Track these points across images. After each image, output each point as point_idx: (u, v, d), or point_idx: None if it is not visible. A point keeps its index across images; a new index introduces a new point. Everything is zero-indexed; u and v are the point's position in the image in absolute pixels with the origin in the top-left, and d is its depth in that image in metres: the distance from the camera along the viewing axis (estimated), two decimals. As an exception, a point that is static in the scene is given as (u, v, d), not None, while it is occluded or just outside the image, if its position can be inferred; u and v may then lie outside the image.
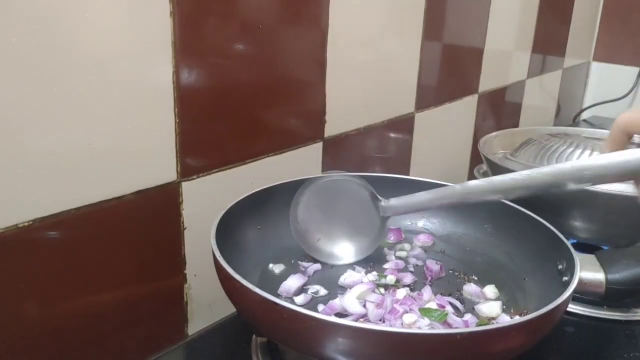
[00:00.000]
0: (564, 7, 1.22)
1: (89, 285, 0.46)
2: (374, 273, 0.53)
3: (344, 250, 0.55)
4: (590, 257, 0.51)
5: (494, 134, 0.81)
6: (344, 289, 0.51)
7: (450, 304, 0.49)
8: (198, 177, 0.52)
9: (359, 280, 0.51)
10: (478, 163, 0.94)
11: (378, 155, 0.76)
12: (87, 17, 0.41)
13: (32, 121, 0.39)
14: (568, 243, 0.48)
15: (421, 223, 0.63)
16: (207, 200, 0.53)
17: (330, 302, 0.48)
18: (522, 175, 0.44)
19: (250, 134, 0.56)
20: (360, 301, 0.47)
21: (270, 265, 0.54)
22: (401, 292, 0.50)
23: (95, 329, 0.47)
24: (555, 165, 0.44)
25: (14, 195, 0.40)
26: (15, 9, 0.37)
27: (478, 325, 0.47)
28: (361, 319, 0.46)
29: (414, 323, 0.45)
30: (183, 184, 0.50)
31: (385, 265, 0.56)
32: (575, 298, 0.53)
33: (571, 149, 0.65)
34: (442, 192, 0.50)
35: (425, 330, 0.43)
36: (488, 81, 0.97)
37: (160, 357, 0.52)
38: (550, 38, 1.17)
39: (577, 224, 0.61)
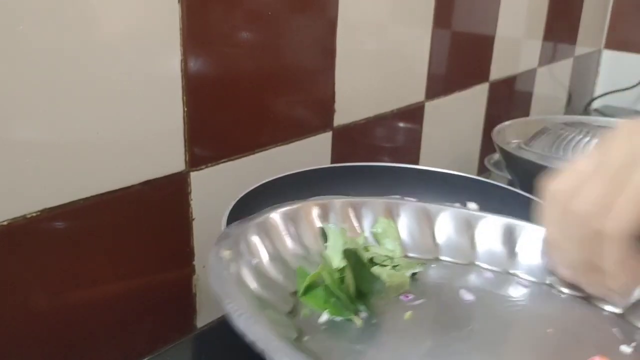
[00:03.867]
0: (575, -6, 1.20)
1: (97, 276, 0.45)
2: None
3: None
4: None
5: (507, 123, 0.80)
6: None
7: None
8: (207, 167, 0.51)
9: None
10: (488, 153, 0.93)
11: (387, 144, 0.75)
12: (94, 5, 0.40)
13: (40, 111, 0.39)
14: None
15: None
16: (216, 190, 0.52)
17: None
18: None
19: (259, 123, 0.55)
20: None
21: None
22: None
23: (102, 321, 0.46)
24: None
25: (22, 185, 0.39)
26: (21, -5, 0.36)
27: None
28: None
29: None
30: (192, 174, 0.50)
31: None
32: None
33: (587, 139, 0.64)
34: None
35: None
36: (499, 69, 0.95)
37: (169, 349, 0.51)
38: (561, 25, 1.16)
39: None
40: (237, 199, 0.49)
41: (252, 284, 0.30)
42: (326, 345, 0.29)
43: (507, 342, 0.33)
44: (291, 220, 0.36)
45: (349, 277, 0.31)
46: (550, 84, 1.20)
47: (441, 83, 0.81)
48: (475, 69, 0.91)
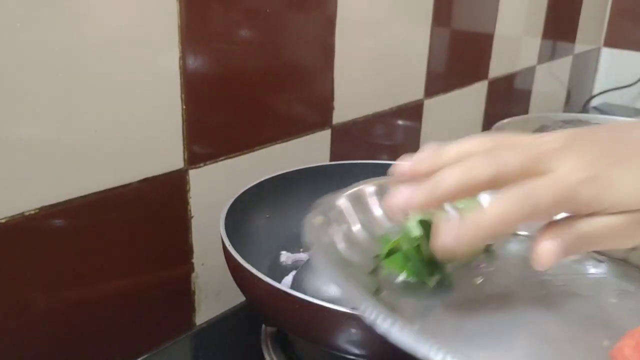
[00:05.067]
0: (574, -9, 1.20)
1: (96, 274, 0.45)
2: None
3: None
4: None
5: (505, 120, 0.80)
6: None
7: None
8: (205, 164, 0.51)
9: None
10: (487, 150, 0.93)
11: (386, 142, 0.75)
12: (92, 2, 0.40)
13: (38, 109, 0.39)
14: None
15: None
16: (214, 188, 0.52)
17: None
18: None
19: (258, 121, 0.55)
20: None
21: (282, 253, 0.53)
22: None
23: (101, 319, 0.46)
24: None
25: (20, 183, 0.39)
26: (18, -8, 0.36)
27: None
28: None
29: None
30: (190, 171, 0.50)
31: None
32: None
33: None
34: None
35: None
36: (498, 67, 0.95)
37: (168, 347, 0.51)
38: (560, 23, 1.16)
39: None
40: (236, 196, 0.49)
41: (340, 244, 0.34)
42: (399, 299, 0.33)
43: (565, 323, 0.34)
44: (380, 194, 0.39)
45: (424, 244, 0.34)
46: (550, 82, 1.19)
47: (440, 81, 0.81)
48: (474, 67, 0.91)
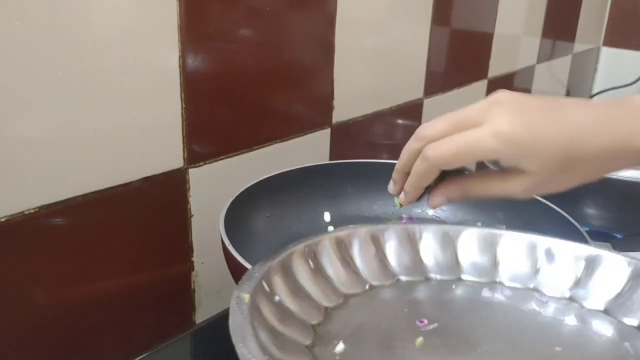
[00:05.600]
0: (574, -9, 1.20)
1: (95, 273, 0.45)
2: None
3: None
4: (606, 246, 0.50)
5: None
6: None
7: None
8: (205, 163, 0.51)
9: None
10: (487, 150, 0.93)
11: (386, 141, 0.75)
12: (92, 1, 0.40)
13: (38, 108, 0.39)
14: (583, 230, 0.47)
15: (432, 211, 0.62)
16: (214, 187, 0.52)
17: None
18: None
19: (257, 120, 0.55)
20: None
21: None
22: None
23: (102, 316, 0.47)
24: None
25: (20, 182, 0.39)
26: (19, -9, 0.36)
27: None
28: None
29: None
30: (190, 170, 0.50)
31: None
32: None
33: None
34: None
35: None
36: (497, 66, 0.95)
37: (168, 345, 0.51)
38: (560, 22, 1.15)
39: (592, 212, 0.60)
40: (236, 195, 0.49)
41: (272, 320, 0.31)
42: None
43: None
44: (313, 253, 0.37)
45: None
46: (549, 81, 1.20)
47: (440, 80, 0.81)
48: (473, 66, 0.91)
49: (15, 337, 0.41)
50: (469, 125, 0.37)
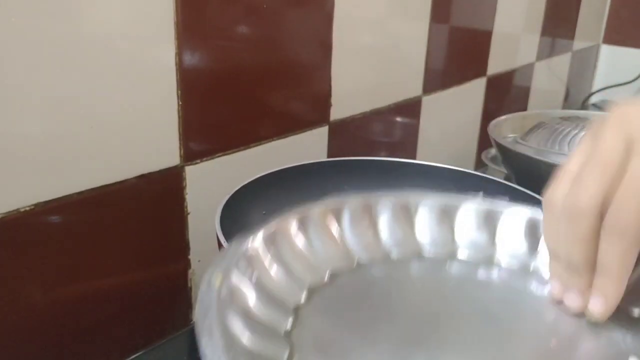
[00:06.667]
0: (574, -12, 1.20)
1: (91, 271, 0.45)
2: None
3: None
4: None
5: (503, 117, 0.80)
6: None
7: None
8: (202, 161, 0.51)
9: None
10: (486, 147, 0.93)
11: (384, 139, 0.75)
12: (87, -4, 0.40)
13: (33, 104, 0.39)
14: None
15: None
16: (211, 185, 0.52)
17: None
18: None
19: (255, 117, 0.55)
20: None
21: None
22: None
23: (98, 315, 0.46)
24: None
25: (16, 179, 0.39)
26: (13, -13, 0.36)
27: None
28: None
29: None
30: (186, 168, 0.50)
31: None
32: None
33: (583, 133, 0.64)
34: None
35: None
36: (497, 64, 0.95)
37: (165, 343, 0.51)
38: (559, 20, 1.15)
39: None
40: (232, 193, 0.49)
41: (248, 303, 0.29)
42: None
43: (506, 351, 0.32)
44: (299, 226, 0.35)
45: None
46: (548, 79, 1.19)
47: (438, 77, 0.81)
48: (472, 64, 0.90)
49: (11, 334, 0.41)
50: (621, 163, 0.28)
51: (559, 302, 0.33)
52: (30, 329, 0.42)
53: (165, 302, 0.52)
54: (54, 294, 0.43)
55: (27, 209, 0.40)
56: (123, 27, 0.42)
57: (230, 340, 0.26)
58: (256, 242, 0.33)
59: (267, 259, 0.32)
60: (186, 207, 0.50)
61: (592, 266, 0.30)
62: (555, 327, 0.34)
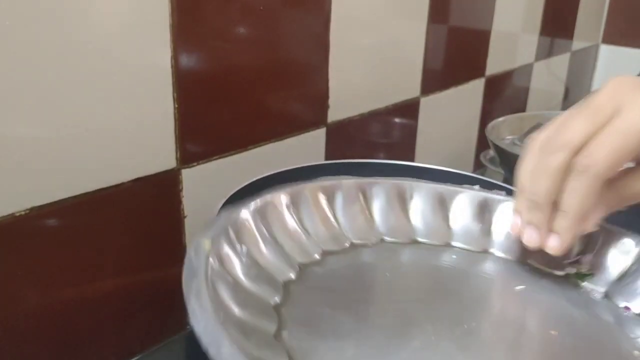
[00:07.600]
0: (572, -12, 1.20)
1: (87, 275, 0.45)
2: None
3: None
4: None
5: (501, 118, 0.79)
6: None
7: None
8: (198, 164, 0.51)
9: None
10: (484, 149, 0.92)
11: (382, 140, 0.75)
12: (82, -1, 0.39)
13: (28, 107, 0.38)
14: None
15: None
16: (208, 187, 0.52)
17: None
18: None
19: (252, 119, 0.55)
20: None
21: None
22: None
23: (93, 319, 0.46)
24: None
25: (10, 183, 0.39)
26: (6, -10, 0.36)
27: None
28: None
29: None
30: (183, 171, 0.49)
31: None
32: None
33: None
34: None
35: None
36: (495, 64, 0.95)
37: (161, 347, 0.51)
38: (558, 20, 1.15)
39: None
40: (229, 196, 0.49)
41: (237, 272, 0.28)
42: (301, 342, 0.28)
43: (506, 343, 0.32)
44: (291, 202, 0.35)
45: None
46: (547, 79, 1.19)
47: (437, 78, 0.81)
48: (471, 64, 0.90)
49: (6, 338, 0.41)
50: (609, 116, 0.30)
51: (518, 238, 0.34)
52: (25, 334, 0.42)
53: (162, 306, 0.51)
54: (49, 298, 0.43)
55: (22, 213, 0.39)
56: (118, 30, 0.42)
57: (219, 304, 0.25)
58: (246, 214, 0.32)
59: (257, 232, 0.32)
60: (183, 210, 0.50)
61: (552, 204, 0.31)
62: (549, 314, 0.34)
